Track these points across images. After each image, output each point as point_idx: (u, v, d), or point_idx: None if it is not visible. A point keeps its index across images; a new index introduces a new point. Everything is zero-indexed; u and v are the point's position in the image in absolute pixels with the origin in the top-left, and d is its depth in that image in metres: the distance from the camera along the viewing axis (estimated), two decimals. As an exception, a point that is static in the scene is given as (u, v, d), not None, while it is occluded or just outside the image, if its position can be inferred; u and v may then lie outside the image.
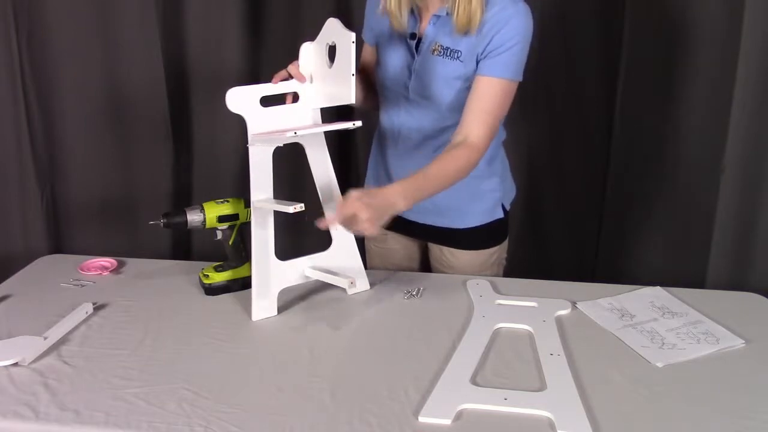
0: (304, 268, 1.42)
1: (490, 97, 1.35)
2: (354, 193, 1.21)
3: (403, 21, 1.39)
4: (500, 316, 1.35)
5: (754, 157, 1.68)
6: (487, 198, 1.54)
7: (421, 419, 1.04)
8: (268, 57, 1.92)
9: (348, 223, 1.21)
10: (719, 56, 1.68)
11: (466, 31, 1.32)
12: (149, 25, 1.83)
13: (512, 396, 1.09)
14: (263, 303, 1.37)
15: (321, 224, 1.28)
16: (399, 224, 1.56)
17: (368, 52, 1.54)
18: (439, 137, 1.46)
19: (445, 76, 1.38)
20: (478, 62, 1.35)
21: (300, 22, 1.88)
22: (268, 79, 1.91)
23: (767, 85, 1.62)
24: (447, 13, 1.34)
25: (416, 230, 1.59)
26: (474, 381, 1.14)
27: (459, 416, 1.05)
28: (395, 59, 1.44)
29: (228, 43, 1.88)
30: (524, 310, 1.38)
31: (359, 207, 1.18)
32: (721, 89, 1.67)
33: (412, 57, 1.41)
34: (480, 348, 1.24)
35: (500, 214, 1.56)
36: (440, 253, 1.61)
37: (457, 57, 1.36)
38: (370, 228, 1.18)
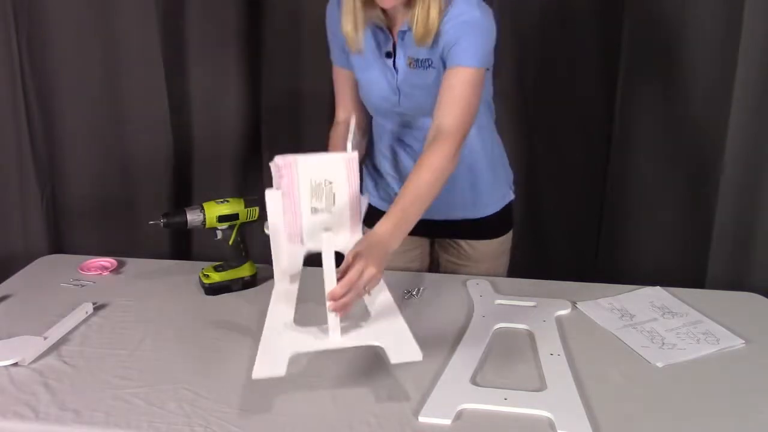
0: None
1: (456, 85, 1.32)
2: (351, 256, 1.11)
3: (360, 42, 1.36)
4: (500, 316, 1.35)
5: (754, 157, 1.68)
6: (499, 183, 1.58)
7: (421, 419, 1.04)
8: (268, 53, 1.92)
9: (356, 286, 1.10)
10: (719, 56, 1.68)
11: (424, 43, 1.32)
12: (149, 25, 1.83)
13: (512, 396, 1.09)
14: (268, 364, 1.09)
15: (335, 309, 1.10)
16: (420, 227, 1.57)
17: (343, 74, 1.50)
18: None
19: (428, 85, 1.38)
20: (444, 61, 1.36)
21: (300, 19, 1.88)
22: (267, 72, 1.92)
23: (767, 85, 1.62)
24: (409, 28, 1.34)
25: (431, 228, 1.59)
26: (474, 381, 1.14)
27: (459, 416, 1.05)
28: (378, 80, 1.42)
29: (228, 42, 1.88)
30: (524, 310, 1.38)
31: (363, 265, 1.10)
32: (720, 89, 1.67)
33: (393, 75, 1.41)
34: (480, 348, 1.24)
35: (511, 196, 1.60)
36: (457, 247, 1.61)
37: (430, 65, 1.36)
38: (378, 276, 1.13)
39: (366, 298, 1.17)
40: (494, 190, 1.57)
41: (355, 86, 1.50)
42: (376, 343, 1.09)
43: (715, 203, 1.73)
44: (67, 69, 1.89)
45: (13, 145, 1.92)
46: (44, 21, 1.84)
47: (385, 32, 1.38)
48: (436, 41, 1.33)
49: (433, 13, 1.29)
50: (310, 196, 1.26)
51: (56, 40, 1.86)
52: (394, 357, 1.07)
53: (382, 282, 1.18)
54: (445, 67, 1.35)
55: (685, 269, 1.84)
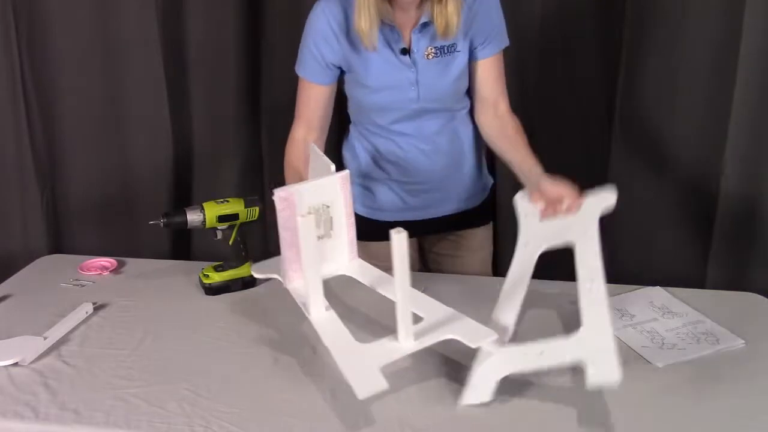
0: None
1: (500, 70, 1.48)
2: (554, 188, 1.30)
3: (374, 38, 1.35)
4: (544, 234, 1.33)
5: (754, 157, 1.68)
6: (484, 168, 1.63)
7: (464, 403, 1.07)
8: (268, 53, 1.92)
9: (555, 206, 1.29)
10: (719, 56, 1.68)
11: (447, 36, 1.36)
12: (149, 25, 1.83)
13: (547, 348, 1.09)
14: (367, 381, 1.04)
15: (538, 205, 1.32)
16: (413, 229, 1.58)
17: (315, 90, 1.47)
18: (453, 124, 1.51)
19: (450, 72, 1.41)
20: (472, 49, 1.42)
21: (300, 20, 1.87)
22: (267, 73, 1.92)
23: (767, 86, 1.62)
24: (429, 21, 1.36)
25: (426, 227, 1.60)
26: (511, 339, 1.16)
27: (499, 387, 1.07)
28: (395, 78, 1.42)
29: (228, 42, 1.88)
30: (566, 223, 1.33)
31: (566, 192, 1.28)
32: (721, 89, 1.67)
33: (410, 70, 1.41)
34: (516, 304, 1.24)
35: (491, 180, 1.66)
36: (455, 239, 1.64)
37: (455, 50, 1.40)
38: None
39: (417, 306, 1.18)
40: (484, 177, 1.63)
41: (324, 103, 1.48)
42: (449, 336, 1.10)
43: (715, 203, 1.73)
44: (67, 69, 1.89)
45: (13, 145, 1.92)
46: (44, 21, 1.84)
47: (395, 30, 1.38)
48: (463, 27, 1.37)
49: (456, 5, 1.32)
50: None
51: (56, 40, 1.86)
52: (472, 342, 1.08)
53: (421, 294, 1.23)
54: (471, 51, 1.42)
55: (685, 269, 1.84)
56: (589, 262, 1.21)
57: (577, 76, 1.90)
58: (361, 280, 1.28)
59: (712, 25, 1.68)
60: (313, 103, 1.48)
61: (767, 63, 1.61)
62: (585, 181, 1.97)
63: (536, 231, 1.34)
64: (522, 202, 1.38)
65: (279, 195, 1.18)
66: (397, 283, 1.07)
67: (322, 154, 1.31)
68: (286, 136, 1.66)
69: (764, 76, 1.62)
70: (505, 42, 1.46)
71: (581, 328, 1.10)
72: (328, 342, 1.11)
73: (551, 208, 1.29)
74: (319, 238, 1.25)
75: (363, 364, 1.05)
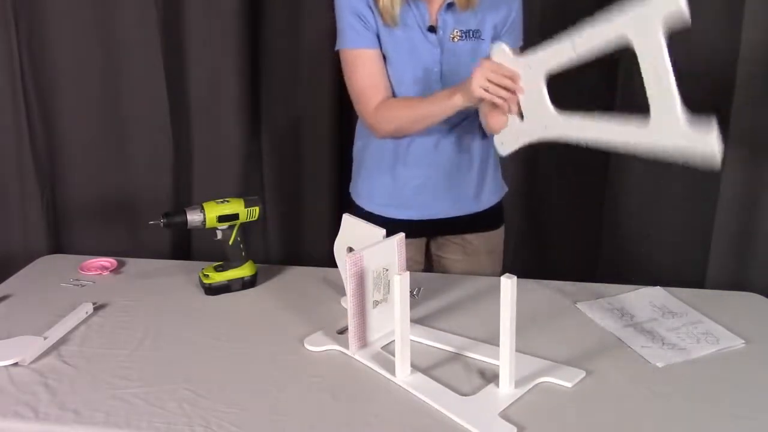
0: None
1: None
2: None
3: (396, 15, 1.35)
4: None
5: (754, 157, 1.68)
6: (498, 174, 1.64)
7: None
8: (267, 54, 1.92)
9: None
10: (719, 56, 1.68)
11: (467, 8, 1.36)
12: (149, 25, 1.83)
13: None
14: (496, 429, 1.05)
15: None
16: (418, 228, 1.58)
17: (370, 55, 1.42)
18: (461, 124, 1.50)
19: (473, 58, 1.40)
20: (494, 39, 1.42)
21: (300, 20, 1.88)
22: (268, 72, 1.92)
23: (767, 85, 1.62)
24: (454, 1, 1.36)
25: (432, 228, 1.60)
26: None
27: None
28: (417, 54, 1.41)
29: (228, 42, 1.88)
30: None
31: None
32: (720, 89, 1.67)
33: (435, 48, 1.40)
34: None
35: (506, 188, 1.66)
36: (456, 243, 1.63)
37: (479, 36, 1.41)
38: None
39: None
40: (496, 181, 1.62)
41: (383, 66, 1.44)
42: (546, 380, 1.14)
43: (715, 203, 1.73)
44: (67, 69, 1.89)
45: (13, 145, 1.91)
46: (44, 21, 1.84)
47: (422, 7, 1.38)
48: (487, 13, 1.38)
49: None
50: (372, 289, 1.21)
51: (56, 40, 1.86)
52: (569, 382, 1.13)
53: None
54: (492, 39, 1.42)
55: (685, 269, 1.83)
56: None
57: (576, 76, 1.90)
58: (421, 341, 1.26)
59: (712, 25, 1.68)
60: (377, 68, 1.42)
61: (767, 62, 1.61)
62: (584, 181, 1.99)
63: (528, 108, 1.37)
64: (496, 143, 1.40)
65: (349, 257, 1.14)
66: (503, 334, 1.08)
67: (368, 223, 1.28)
68: (286, 136, 1.66)
69: (764, 76, 1.62)
70: (520, 41, 1.48)
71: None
72: (434, 401, 1.08)
73: (508, 103, 1.31)
74: (379, 303, 1.23)
75: (484, 415, 1.05)
